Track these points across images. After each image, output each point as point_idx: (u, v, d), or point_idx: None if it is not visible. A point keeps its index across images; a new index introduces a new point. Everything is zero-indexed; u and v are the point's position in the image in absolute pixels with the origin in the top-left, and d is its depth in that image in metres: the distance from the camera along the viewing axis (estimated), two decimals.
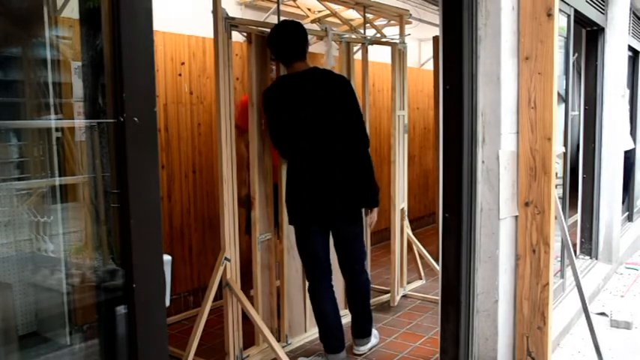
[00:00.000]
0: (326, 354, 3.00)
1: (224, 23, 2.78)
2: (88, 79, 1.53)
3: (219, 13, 2.74)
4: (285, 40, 2.88)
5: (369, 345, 3.19)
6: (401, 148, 3.92)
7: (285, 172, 3.00)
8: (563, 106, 3.82)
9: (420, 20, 5.50)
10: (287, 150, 2.96)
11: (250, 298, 3.06)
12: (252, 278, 3.15)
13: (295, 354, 3.16)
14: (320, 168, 2.86)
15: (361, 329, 3.15)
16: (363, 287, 3.11)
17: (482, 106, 2.53)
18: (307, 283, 3.06)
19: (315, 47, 3.94)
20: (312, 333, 3.37)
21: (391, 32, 4.22)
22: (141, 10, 1.28)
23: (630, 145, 5.20)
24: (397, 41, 3.90)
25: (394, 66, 3.84)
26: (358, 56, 3.73)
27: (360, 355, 3.15)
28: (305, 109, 2.84)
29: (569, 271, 3.63)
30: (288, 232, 3.18)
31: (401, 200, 3.98)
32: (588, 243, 4.58)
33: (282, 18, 3.14)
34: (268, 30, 3.06)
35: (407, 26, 4.03)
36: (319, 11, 4.45)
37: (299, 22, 2.98)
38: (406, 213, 4.09)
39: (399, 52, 3.86)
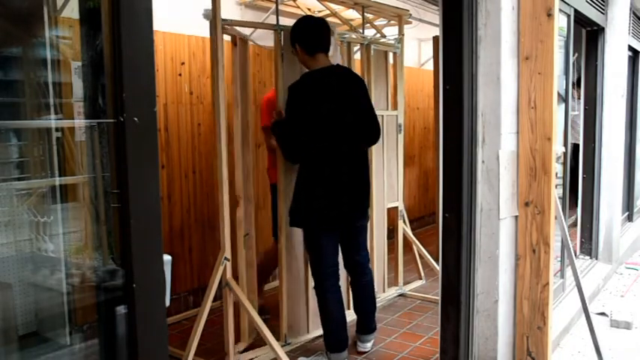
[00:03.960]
0: (328, 353, 2.99)
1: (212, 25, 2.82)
2: (88, 79, 1.53)
3: (218, 16, 2.75)
4: (314, 29, 2.91)
5: (373, 341, 3.22)
6: (393, 148, 3.93)
7: (299, 173, 2.93)
8: (563, 106, 3.82)
9: (420, 20, 5.50)
10: (307, 148, 2.86)
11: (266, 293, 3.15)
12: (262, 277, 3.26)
13: (295, 354, 3.16)
14: (342, 165, 2.88)
15: (368, 325, 3.16)
16: (370, 280, 3.16)
17: (482, 106, 2.53)
18: (314, 282, 3.04)
19: None
20: (315, 335, 3.34)
21: (390, 32, 4.22)
22: (141, 10, 1.28)
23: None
24: (392, 42, 3.91)
25: (388, 67, 3.88)
26: (357, 56, 3.73)
27: (362, 353, 3.15)
28: (330, 104, 2.86)
29: (569, 271, 3.63)
30: (289, 232, 3.18)
31: (396, 199, 3.99)
32: (588, 243, 4.58)
33: (281, 18, 3.15)
34: (245, 30, 3.12)
35: (407, 26, 4.04)
36: (319, 11, 4.45)
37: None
38: (403, 212, 4.09)
39: (385, 54, 3.89)
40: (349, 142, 2.90)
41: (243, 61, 3.13)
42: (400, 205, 4.05)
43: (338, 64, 3.04)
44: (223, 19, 2.81)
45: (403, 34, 4.00)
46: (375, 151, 3.65)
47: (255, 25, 3.66)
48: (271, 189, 3.46)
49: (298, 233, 3.23)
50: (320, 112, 2.84)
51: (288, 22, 3.14)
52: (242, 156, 3.13)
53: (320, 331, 3.28)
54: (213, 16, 2.75)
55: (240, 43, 3.09)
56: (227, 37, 3.22)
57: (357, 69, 3.57)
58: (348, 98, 2.90)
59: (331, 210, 2.88)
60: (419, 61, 6.53)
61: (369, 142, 3.03)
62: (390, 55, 3.96)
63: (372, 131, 2.97)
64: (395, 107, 3.97)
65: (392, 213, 4.05)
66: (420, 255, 4.29)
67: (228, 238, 2.87)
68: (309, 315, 3.34)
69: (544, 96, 2.52)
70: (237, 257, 3.15)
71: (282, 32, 3.08)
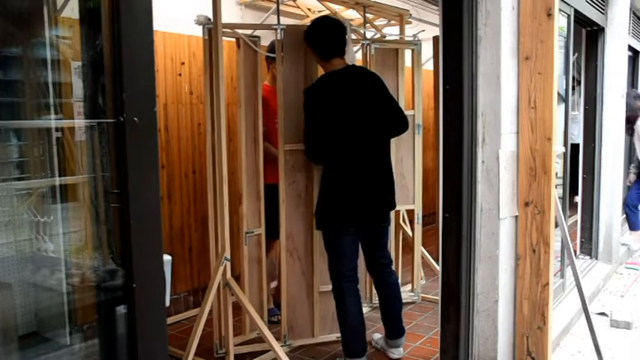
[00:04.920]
0: (347, 359, 2.92)
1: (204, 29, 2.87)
2: (88, 79, 1.53)
3: (219, 19, 2.76)
4: (328, 35, 2.89)
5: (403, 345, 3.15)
6: (407, 147, 3.83)
7: (323, 175, 2.91)
8: (563, 106, 3.82)
9: (420, 20, 5.50)
10: (330, 150, 2.85)
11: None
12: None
13: (294, 354, 3.16)
14: (365, 165, 2.86)
15: (398, 326, 3.09)
16: (396, 281, 3.13)
17: (482, 106, 2.53)
18: (332, 284, 2.98)
19: None
20: (321, 340, 3.28)
21: (389, 32, 4.21)
22: (141, 10, 1.28)
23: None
24: (409, 39, 3.87)
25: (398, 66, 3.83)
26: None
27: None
28: (352, 106, 2.84)
29: (569, 271, 3.63)
30: (291, 233, 3.17)
31: (409, 201, 3.87)
32: (588, 243, 4.58)
33: (281, 18, 3.15)
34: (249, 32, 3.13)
35: (407, 26, 4.03)
36: (319, 11, 4.45)
37: (338, 19, 3.04)
38: (419, 215, 3.91)
39: (396, 53, 3.84)
40: (371, 141, 2.88)
41: (250, 62, 3.17)
42: (417, 207, 3.88)
43: (353, 65, 2.99)
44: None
45: (423, 30, 3.95)
46: None
47: (253, 27, 3.65)
48: (265, 189, 3.42)
49: (300, 235, 3.22)
50: (338, 113, 2.82)
51: (288, 22, 3.15)
52: (250, 154, 3.19)
53: (326, 337, 3.25)
54: (214, 19, 2.76)
55: (244, 45, 3.12)
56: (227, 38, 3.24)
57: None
58: (367, 97, 2.87)
59: (356, 210, 2.86)
60: None
61: (396, 133, 3.03)
62: (406, 55, 3.87)
63: (398, 123, 2.95)
64: (409, 107, 3.88)
65: (396, 213, 3.98)
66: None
67: (228, 237, 2.88)
68: (315, 319, 3.27)
69: (544, 96, 2.52)
70: (240, 254, 3.21)
71: (282, 32, 3.08)
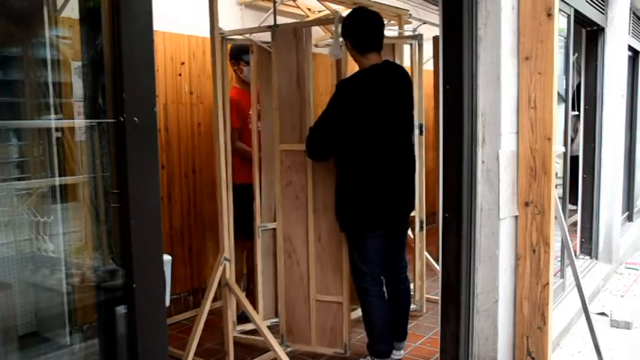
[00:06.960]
0: (375, 359, 2.95)
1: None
2: (88, 79, 1.53)
3: (216, 22, 2.78)
4: (367, 26, 2.78)
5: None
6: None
7: (351, 175, 2.81)
8: (563, 106, 3.82)
9: (420, 20, 5.50)
10: (363, 148, 2.76)
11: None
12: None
13: (295, 354, 3.15)
14: (400, 166, 2.87)
15: (403, 330, 3.10)
16: (409, 286, 3.13)
17: (482, 106, 2.53)
18: (360, 287, 2.92)
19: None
20: (320, 351, 3.20)
21: (391, 32, 4.21)
22: (141, 10, 1.28)
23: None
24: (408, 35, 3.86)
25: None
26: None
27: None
28: (391, 104, 2.80)
29: (569, 271, 3.63)
30: (289, 235, 3.16)
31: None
32: (588, 243, 4.58)
33: (282, 18, 3.16)
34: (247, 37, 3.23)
35: (406, 26, 4.02)
36: (319, 11, 4.45)
37: (377, 12, 2.92)
38: (423, 222, 3.83)
39: (392, 48, 3.80)
40: (405, 141, 2.91)
41: (264, 66, 3.26)
42: (420, 213, 3.77)
43: (387, 60, 2.90)
44: (221, 33, 2.88)
45: (425, 22, 3.95)
46: None
47: (251, 30, 3.64)
48: (234, 190, 3.22)
49: (298, 237, 3.15)
50: (377, 111, 2.75)
51: (289, 22, 3.15)
52: (267, 151, 3.31)
53: (325, 350, 3.17)
54: (210, 22, 2.77)
55: (257, 49, 3.23)
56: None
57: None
58: (404, 96, 2.87)
59: (390, 210, 2.85)
60: None
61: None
62: (406, 53, 3.82)
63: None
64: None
65: None
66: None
67: (227, 238, 2.88)
68: (312, 328, 3.15)
69: (544, 96, 2.52)
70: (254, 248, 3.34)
71: (274, 31, 3.10)
